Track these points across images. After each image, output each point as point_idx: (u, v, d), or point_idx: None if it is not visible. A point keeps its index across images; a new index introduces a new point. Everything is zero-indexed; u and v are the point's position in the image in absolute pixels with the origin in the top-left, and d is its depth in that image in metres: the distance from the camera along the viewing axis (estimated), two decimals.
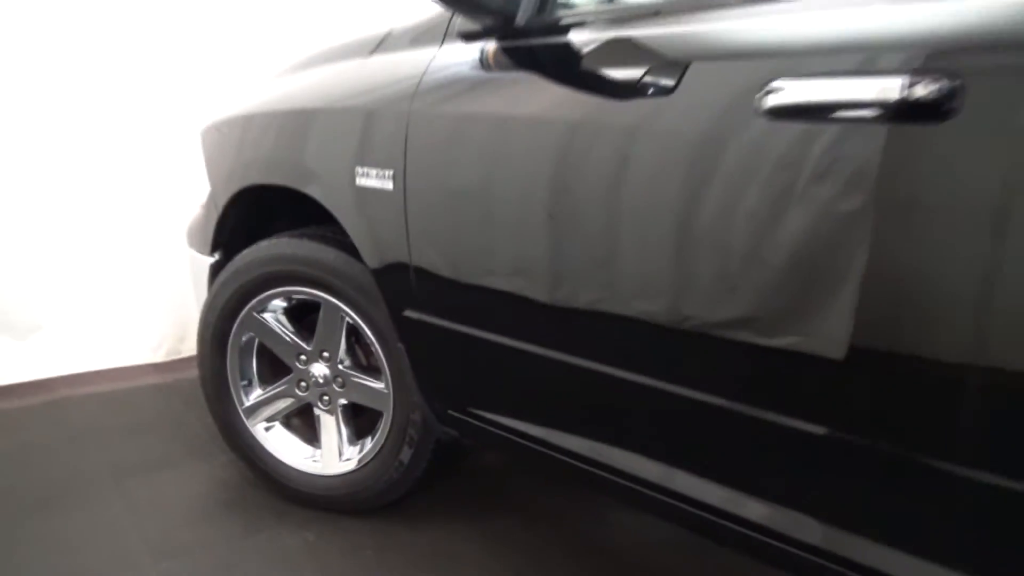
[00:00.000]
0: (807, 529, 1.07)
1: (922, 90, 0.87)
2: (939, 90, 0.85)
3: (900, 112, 0.89)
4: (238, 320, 1.94)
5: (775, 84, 0.99)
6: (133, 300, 2.83)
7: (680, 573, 1.75)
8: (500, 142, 1.35)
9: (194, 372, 2.07)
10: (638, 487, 1.29)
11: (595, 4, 1.42)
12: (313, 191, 1.72)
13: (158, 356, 2.91)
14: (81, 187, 2.67)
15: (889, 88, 0.89)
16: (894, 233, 0.90)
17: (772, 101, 0.99)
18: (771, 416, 1.06)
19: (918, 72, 0.86)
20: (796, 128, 0.98)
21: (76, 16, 2.53)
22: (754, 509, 1.14)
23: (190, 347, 2.63)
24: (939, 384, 0.90)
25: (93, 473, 2.11)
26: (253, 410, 2.00)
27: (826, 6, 1.01)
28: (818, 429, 1.02)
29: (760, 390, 1.08)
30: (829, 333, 0.96)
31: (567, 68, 1.30)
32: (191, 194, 2.21)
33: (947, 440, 0.91)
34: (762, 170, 1.00)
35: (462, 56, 1.46)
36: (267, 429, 2.01)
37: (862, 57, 0.94)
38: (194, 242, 2.23)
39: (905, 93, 0.88)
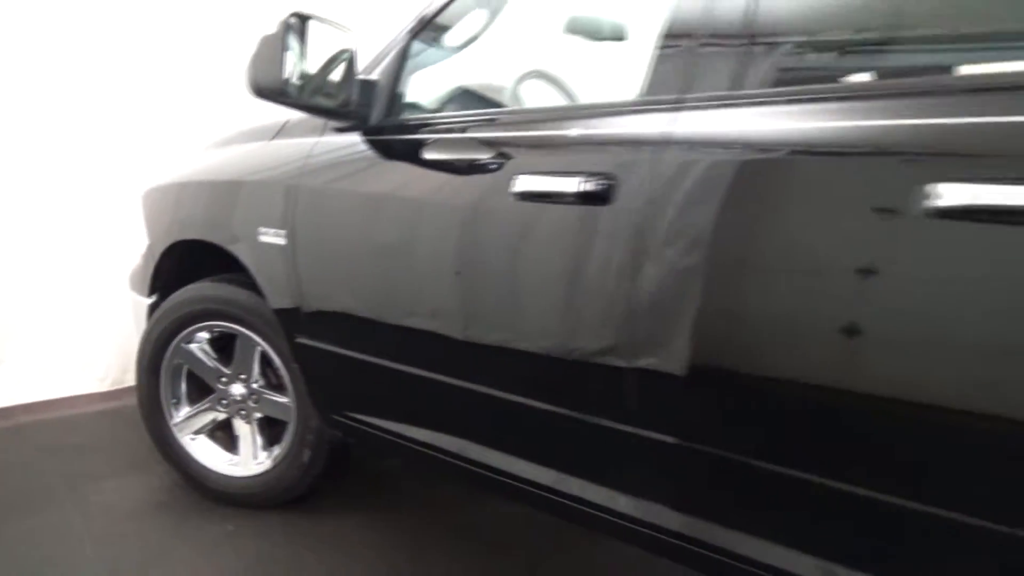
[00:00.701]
0: (637, 507, 1.44)
1: (592, 185, 1.37)
2: (602, 185, 1.35)
3: (583, 197, 1.39)
4: (169, 349, 2.37)
5: (518, 178, 1.49)
6: (82, 336, 3.22)
7: (532, 546, 2.20)
8: (361, 209, 1.83)
9: (135, 399, 2.48)
10: (474, 469, 1.73)
11: (424, 114, 1.91)
12: (227, 245, 2.18)
13: (104, 385, 3.29)
14: (35, 239, 3.07)
15: (572, 183, 1.39)
16: (595, 272, 1.37)
17: (518, 187, 1.49)
18: (584, 417, 1.47)
19: (591, 175, 1.36)
20: (530, 206, 1.47)
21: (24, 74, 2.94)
22: (576, 485, 1.53)
23: (132, 378, 3.02)
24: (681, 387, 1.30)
25: (49, 483, 2.50)
26: (182, 424, 2.42)
27: (548, 126, 1.52)
28: (626, 428, 1.39)
29: (566, 391, 1.50)
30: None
31: (406, 155, 1.79)
32: (131, 246, 2.64)
33: (739, 438, 1.26)
34: (505, 237, 1.50)
35: (335, 144, 1.94)
36: (194, 440, 2.42)
37: (567, 160, 1.44)
38: (135, 286, 2.66)
39: (584, 187, 1.38)
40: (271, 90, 1.63)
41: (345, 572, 2.04)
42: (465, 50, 1.92)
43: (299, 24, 1.59)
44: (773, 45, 1.28)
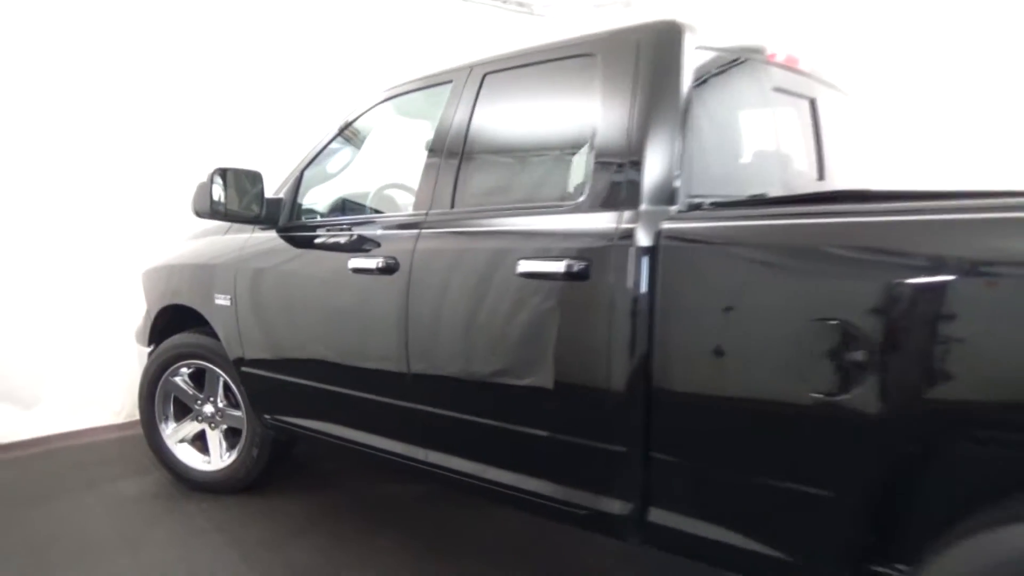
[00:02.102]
0: (483, 471, 2.38)
1: (384, 264, 2.37)
2: (391, 263, 2.33)
3: (381, 271, 2.39)
4: (161, 381, 3.38)
5: (351, 260, 2.49)
6: (101, 380, 4.24)
7: (427, 515, 3.14)
8: (274, 280, 2.84)
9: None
10: (351, 446, 2.68)
11: (313, 218, 2.92)
12: (197, 308, 3.20)
13: (120, 418, 4.30)
14: (64, 309, 4.13)
15: (374, 263, 2.39)
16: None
17: (351, 265, 2.49)
18: (387, 400, 2.45)
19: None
20: (358, 276, 2.47)
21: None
22: (470, 466, 2.46)
23: None
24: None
25: (75, 485, 3.48)
26: (170, 435, 3.41)
27: (365, 228, 2.53)
28: (413, 406, 2.37)
29: (384, 387, 2.49)
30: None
31: (307, 245, 2.80)
32: (134, 313, 3.68)
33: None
34: (345, 297, 2.50)
35: (260, 238, 2.97)
36: (178, 446, 3.41)
37: (373, 249, 2.45)
38: (139, 339, 3.69)
39: (380, 265, 2.38)
40: (202, 212, 2.67)
41: (276, 531, 2.99)
42: (341, 174, 2.94)
43: (222, 173, 2.64)
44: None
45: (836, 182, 2.54)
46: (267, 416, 3.03)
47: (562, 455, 2.01)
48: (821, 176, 2.53)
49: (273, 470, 3.35)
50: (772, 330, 1.59)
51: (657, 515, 1.86)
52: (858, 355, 1.46)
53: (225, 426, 3.34)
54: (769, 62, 2.27)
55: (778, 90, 2.33)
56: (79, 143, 4.07)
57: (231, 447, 3.33)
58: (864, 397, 1.45)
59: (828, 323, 1.49)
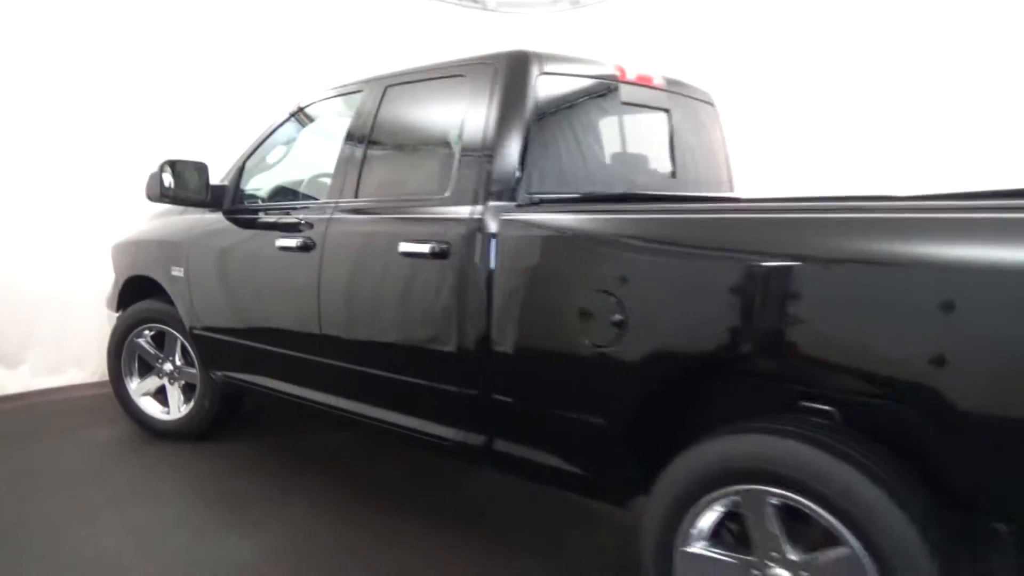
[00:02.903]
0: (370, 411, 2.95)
1: (304, 242, 2.87)
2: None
3: (300, 248, 2.88)
4: (126, 343, 3.87)
5: (277, 239, 2.98)
6: (79, 343, 4.73)
7: (348, 457, 3.65)
8: (218, 255, 3.33)
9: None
10: (283, 395, 3.18)
11: (252, 203, 3.40)
12: (157, 278, 3.69)
13: (95, 377, 4.80)
14: (45, 273, 4.61)
15: (295, 241, 2.89)
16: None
17: (278, 244, 2.98)
18: (311, 357, 2.95)
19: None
20: (282, 253, 2.96)
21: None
22: (367, 408, 2.98)
23: None
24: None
25: (53, 430, 3.99)
26: (135, 389, 3.92)
27: (291, 212, 3.02)
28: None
29: (303, 345, 2.99)
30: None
31: (246, 226, 3.28)
32: (108, 278, 4.17)
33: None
34: (272, 271, 2.99)
35: (209, 219, 3.44)
36: (143, 398, 3.92)
37: (295, 231, 2.94)
38: (109, 305, 4.18)
39: (300, 243, 2.87)
40: (153, 197, 3.16)
41: (221, 468, 3.49)
42: (278, 164, 3.42)
43: (171, 164, 3.12)
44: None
45: (688, 181, 3.04)
46: (215, 372, 3.53)
47: (433, 399, 2.52)
48: (674, 175, 3.03)
49: (224, 420, 3.85)
50: (568, 298, 2.09)
51: (500, 444, 2.37)
52: (619, 316, 1.97)
53: (183, 382, 3.84)
54: (620, 81, 2.74)
55: (628, 104, 2.80)
56: (65, 139, 4.53)
57: (187, 400, 3.83)
58: (624, 348, 1.96)
59: (603, 293, 2.00)
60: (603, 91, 2.70)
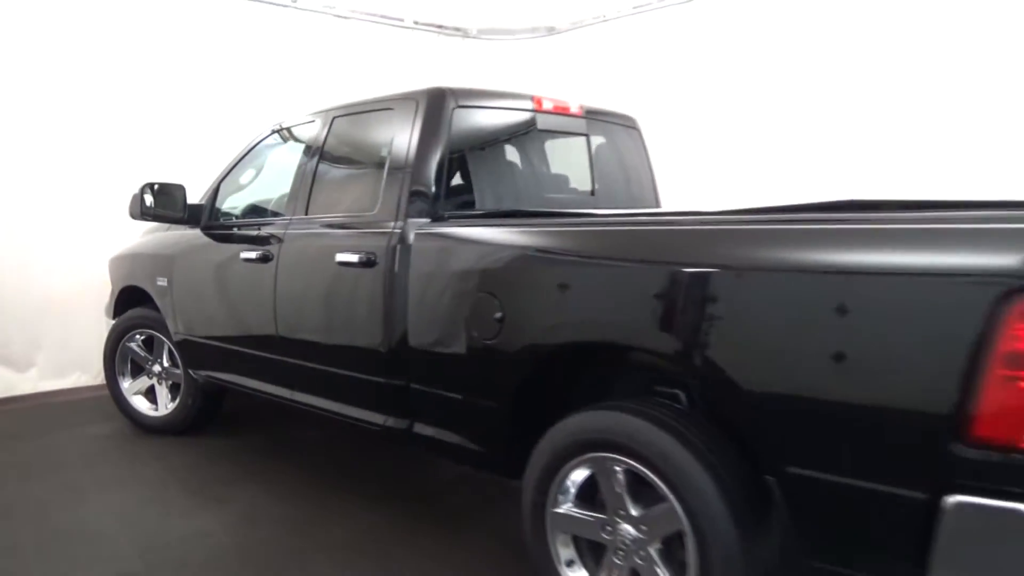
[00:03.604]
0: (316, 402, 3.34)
1: (264, 254, 3.27)
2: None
3: (260, 259, 3.28)
4: (120, 346, 4.30)
5: (243, 251, 3.39)
6: (83, 349, 5.16)
7: (316, 450, 4.04)
8: (201, 268, 3.74)
9: None
10: (255, 392, 3.58)
11: (225, 219, 3.81)
12: (146, 288, 4.12)
13: (97, 380, 5.22)
14: (52, 285, 5.06)
15: (256, 254, 3.29)
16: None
17: (243, 256, 3.39)
18: (274, 356, 3.34)
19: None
20: (247, 264, 3.37)
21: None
22: (313, 399, 3.37)
23: None
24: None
25: (55, 426, 4.43)
26: (128, 389, 4.34)
27: (252, 227, 3.43)
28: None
29: (267, 346, 3.39)
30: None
31: (219, 240, 3.69)
32: (107, 289, 4.61)
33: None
34: (238, 280, 3.40)
35: (189, 234, 3.86)
36: (135, 397, 4.34)
37: (257, 244, 3.34)
38: (107, 313, 4.61)
39: (261, 255, 3.28)
40: (135, 215, 3.58)
41: (200, 457, 3.89)
42: (249, 185, 3.83)
43: (150, 186, 3.54)
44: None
45: (607, 198, 3.40)
46: (196, 372, 3.94)
47: (366, 389, 2.89)
48: (593, 194, 3.39)
49: (207, 416, 4.25)
50: (462, 299, 2.46)
51: (419, 427, 2.74)
52: (499, 314, 2.33)
53: (170, 382, 4.25)
54: (536, 110, 3.12)
55: (545, 130, 3.18)
56: (69, 158, 4.99)
57: (173, 398, 4.25)
58: (503, 341, 2.33)
59: (487, 294, 2.37)
60: (518, 120, 3.08)
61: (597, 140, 3.41)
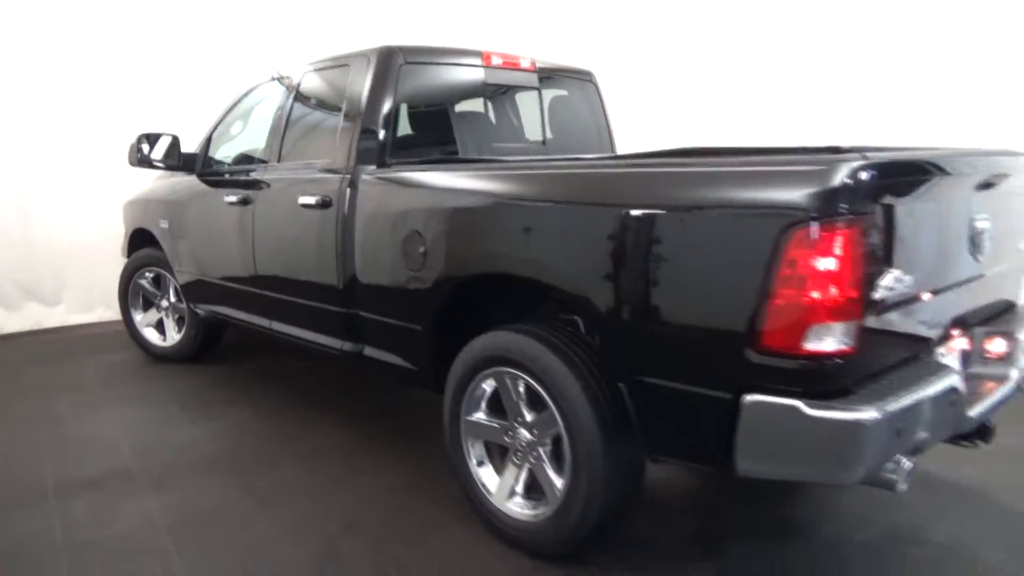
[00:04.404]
0: (289, 330, 3.75)
1: (323, 199, 3.65)
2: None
3: (241, 202, 3.66)
4: (131, 283, 4.77)
5: (227, 195, 3.77)
6: (106, 286, 5.65)
7: (304, 376, 4.47)
8: (195, 211, 4.15)
9: None
10: (246, 324, 4.00)
11: (216, 167, 4.18)
12: (151, 229, 4.55)
13: (118, 315, 5.73)
14: (80, 227, 5.54)
15: (237, 197, 3.67)
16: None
17: (227, 200, 3.77)
18: (262, 292, 3.76)
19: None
20: (230, 207, 3.75)
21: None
22: (285, 328, 3.77)
23: None
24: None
25: (78, 355, 4.94)
26: (140, 321, 4.81)
27: (237, 172, 3.80)
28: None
29: (254, 282, 3.79)
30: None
31: (210, 185, 4.08)
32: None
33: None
34: (225, 220, 3.79)
35: (187, 180, 4.25)
36: (146, 328, 4.81)
37: (239, 188, 3.72)
38: (123, 254, 5.07)
39: (242, 198, 3.65)
40: (132, 163, 3.97)
41: (203, 382, 4.35)
42: (239, 134, 4.19)
43: (146, 136, 3.92)
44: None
45: (559, 147, 3.68)
46: (195, 306, 4.38)
47: (326, 317, 3.26)
48: (544, 143, 3.67)
49: (210, 346, 4.71)
50: (396, 236, 2.79)
51: (369, 351, 3.11)
52: (422, 249, 2.67)
53: (177, 315, 4.71)
54: (485, 65, 3.39)
55: (493, 84, 3.45)
56: (90, 113, 5.43)
57: (180, 330, 4.71)
58: (426, 272, 2.67)
59: (414, 231, 2.70)
60: (466, 75, 3.36)
61: (550, 93, 3.67)
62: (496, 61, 3.41)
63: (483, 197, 2.51)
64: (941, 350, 2.25)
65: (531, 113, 3.67)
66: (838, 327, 1.75)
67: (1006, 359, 2.43)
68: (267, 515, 2.75)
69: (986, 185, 2.25)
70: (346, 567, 2.42)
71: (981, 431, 2.39)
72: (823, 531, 2.67)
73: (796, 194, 1.75)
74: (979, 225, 2.21)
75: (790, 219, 1.74)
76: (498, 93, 3.57)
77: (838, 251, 1.72)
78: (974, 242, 2.20)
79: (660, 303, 2.01)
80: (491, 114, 3.57)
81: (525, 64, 3.54)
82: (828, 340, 1.76)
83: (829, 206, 1.72)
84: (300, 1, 6.11)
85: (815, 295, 1.73)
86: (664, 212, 1.97)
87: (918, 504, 2.85)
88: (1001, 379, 2.39)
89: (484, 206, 2.49)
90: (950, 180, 2.12)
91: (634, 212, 2.01)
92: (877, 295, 1.81)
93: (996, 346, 2.45)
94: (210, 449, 3.39)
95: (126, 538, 2.61)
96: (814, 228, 1.72)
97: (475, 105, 3.50)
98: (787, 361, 1.78)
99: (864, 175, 1.74)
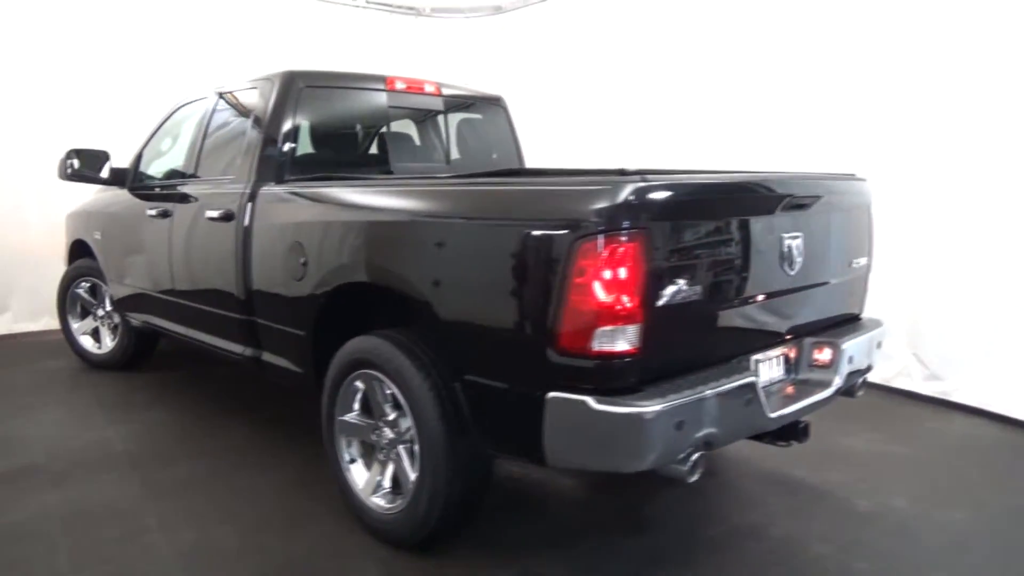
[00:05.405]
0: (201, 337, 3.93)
1: (165, 211, 3.84)
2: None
3: (161, 215, 3.86)
4: (69, 292, 4.94)
5: (148, 208, 3.97)
6: (52, 295, 5.83)
7: (224, 380, 4.64)
8: (124, 224, 4.34)
9: None
10: (165, 330, 4.18)
11: (144, 181, 4.38)
12: (87, 240, 4.74)
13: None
14: (25, 237, 5.72)
15: (158, 210, 3.87)
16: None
17: (148, 213, 3.97)
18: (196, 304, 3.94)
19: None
20: (154, 220, 3.95)
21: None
22: (197, 335, 3.95)
23: None
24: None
25: (18, 363, 5.10)
26: (77, 329, 4.98)
27: (159, 188, 4.00)
28: (213, 309, 3.84)
29: (175, 293, 3.98)
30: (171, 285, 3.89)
31: (137, 199, 4.28)
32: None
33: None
34: (147, 232, 3.98)
35: (119, 193, 4.45)
36: (82, 336, 4.98)
37: (160, 202, 3.91)
38: (65, 263, 5.26)
39: (162, 211, 3.85)
40: (61, 177, 4.16)
41: (130, 387, 4.51)
42: (168, 150, 4.39)
43: (76, 152, 4.12)
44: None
45: (464, 166, 3.90)
46: (126, 314, 4.56)
47: (229, 325, 3.44)
48: (448, 162, 3.89)
49: (144, 354, 4.87)
50: (283, 246, 2.99)
51: (266, 356, 3.30)
52: (303, 259, 2.87)
53: (112, 324, 4.88)
54: (388, 90, 3.62)
55: (397, 107, 3.68)
56: (43, 125, 5.63)
57: (114, 338, 4.88)
58: (307, 281, 2.86)
59: (296, 242, 2.90)
60: (368, 98, 3.58)
61: (457, 116, 3.90)
62: (400, 86, 3.64)
63: (347, 211, 2.72)
64: (759, 356, 2.46)
65: (435, 134, 3.89)
66: (622, 330, 1.96)
67: (831, 367, 2.65)
68: (153, 507, 2.92)
69: (798, 206, 2.47)
70: (212, 553, 2.59)
71: (796, 431, 2.59)
72: (675, 527, 2.85)
73: (585, 210, 1.96)
74: (789, 242, 2.42)
75: (580, 232, 1.95)
76: (403, 116, 3.79)
77: (621, 262, 1.94)
78: (784, 257, 2.41)
79: (480, 307, 2.22)
80: (395, 135, 3.78)
81: (430, 89, 3.76)
82: (614, 342, 1.96)
83: (613, 221, 1.94)
84: (247, 19, 6.33)
85: (602, 300, 1.94)
86: (480, 225, 2.18)
87: (772, 504, 3.05)
88: (824, 385, 2.61)
89: (347, 220, 2.70)
90: (748, 201, 2.34)
91: (455, 225, 2.23)
92: (661, 302, 2.02)
93: (823, 354, 2.67)
94: (119, 448, 3.56)
95: (18, 525, 2.78)
96: (600, 241, 1.93)
97: (376, 126, 3.71)
98: (581, 360, 1.99)
99: (644, 195, 1.96)
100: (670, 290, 2.03)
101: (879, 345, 2.93)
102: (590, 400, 1.96)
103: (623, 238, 1.94)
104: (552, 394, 2.03)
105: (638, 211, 1.95)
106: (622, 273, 1.94)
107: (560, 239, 1.99)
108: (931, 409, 4.22)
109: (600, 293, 1.94)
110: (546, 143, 6.28)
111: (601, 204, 1.95)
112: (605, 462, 2.07)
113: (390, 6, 7.12)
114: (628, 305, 1.95)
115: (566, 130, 6.34)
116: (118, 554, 2.58)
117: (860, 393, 2.88)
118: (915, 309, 4.35)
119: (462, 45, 7.34)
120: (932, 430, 3.95)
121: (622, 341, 1.96)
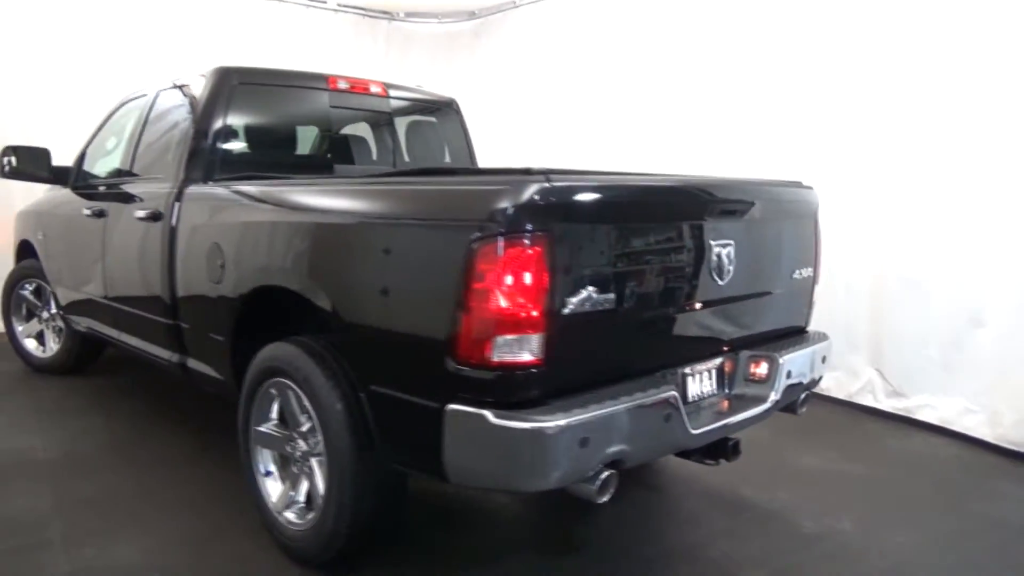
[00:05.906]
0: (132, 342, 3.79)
1: (99, 210, 3.72)
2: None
3: (96, 215, 3.73)
4: (14, 293, 4.80)
5: (84, 207, 3.84)
6: None
7: (162, 389, 4.49)
8: (63, 224, 4.21)
9: None
10: (104, 337, 4.04)
11: (86, 180, 4.25)
12: (32, 241, 4.60)
13: None
14: None
15: (92, 209, 3.74)
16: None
17: (84, 212, 3.84)
18: (128, 309, 3.80)
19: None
20: (89, 219, 3.82)
21: None
22: (130, 339, 3.82)
23: None
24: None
25: None
26: (21, 332, 4.83)
27: (99, 186, 3.87)
28: (142, 313, 3.73)
29: (116, 298, 3.84)
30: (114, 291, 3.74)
31: (81, 198, 4.15)
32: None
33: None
34: (83, 232, 3.85)
35: (63, 193, 4.32)
36: (27, 340, 4.83)
37: (98, 200, 3.79)
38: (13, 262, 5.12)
39: (96, 211, 3.72)
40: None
41: (70, 390, 4.37)
42: (109, 148, 4.25)
43: (13, 150, 3.99)
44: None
45: (409, 162, 3.77)
46: (68, 317, 4.42)
47: (157, 329, 3.30)
48: (394, 164, 3.77)
49: (90, 358, 4.73)
50: (203, 248, 2.86)
51: (191, 362, 3.16)
52: (221, 261, 2.74)
53: (57, 327, 4.73)
54: (330, 89, 3.50)
55: (339, 107, 3.56)
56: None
57: (59, 341, 4.73)
58: (224, 284, 2.73)
59: (215, 244, 2.77)
60: (307, 98, 3.46)
61: (405, 117, 3.78)
62: (343, 85, 3.52)
63: (257, 211, 2.60)
64: (688, 369, 2.34)
65: (381, 135, 3.78)
66: (525, 339, 1.83)
67: (767, 381, 2.52)
68: (60, 521, 2.77)
69: (728, 212, 2.35)
70: (104, 574, 2.44)
71: (726, 449, 2.46)
72: (609, 546, 2.72)
73: (484, 211, 1.84)
74: (719, 250, 2.30)
75: (479, 234, 1.83)
76: (347, 117, 3.67)
77: (523, 266, 1.81)
78: (714, 266, 2.29)
79: (382, 313, 2.09)
80: (338, 137, 3.66)
81: (376, 90, 3.65)
82: (515, 352, 1.83)
83: (514, 223, 1.81)
84: (218, 21, 6.22)
85: (501, 307, 1.82)
86: (380, 226, 2.06)
87: (714, 524, 2.92)
88: (760, 401, 2.48)
89: (258, 220, 2.58)
90: (669, 205, 2.22)
91: (356, 227, 2.10)
92: (567, 310, 1.89)
93: (760, 368, 2.54)
94: (43, 454, 3.42)
95: None
96: (500, 243, 1.81)
97: (316, 126, 3.60)
98: (481, 371, 1.86)
99: (549, 196, 1.83)
100: (578, 298, 1.91)
101: (824, 360, 2.81)
102: (488, 414, 1.83)
103: (525, 241, 1.81)
104: (451, 407, 1.90)
105: (542, 213, 1.83)
106: (524, 278, 1.81)
107: (458, 241, 1.86)
108: (893, 426, 4.10)
109: (500, 299, 1.82)
110: (519, 147, 6.22)
111: (501, 205, 1.82)
112: (507, 480, 1.95)
113: (364, 9, 7.02)
114: (531, 313, 1.83)
115: (539, 134, 6.25)
116: (3, 571, 2.43)
117: (803, 410, 2.76)
118: (878, 325, 4.23)
119: (436, 49, 7.26)
120: (890, 448, 3.83)
121: (524, 351, 1.84)
